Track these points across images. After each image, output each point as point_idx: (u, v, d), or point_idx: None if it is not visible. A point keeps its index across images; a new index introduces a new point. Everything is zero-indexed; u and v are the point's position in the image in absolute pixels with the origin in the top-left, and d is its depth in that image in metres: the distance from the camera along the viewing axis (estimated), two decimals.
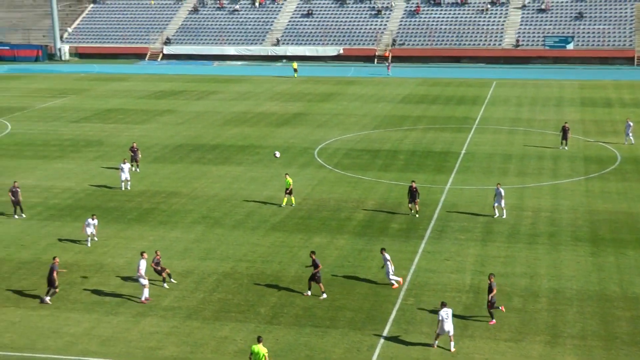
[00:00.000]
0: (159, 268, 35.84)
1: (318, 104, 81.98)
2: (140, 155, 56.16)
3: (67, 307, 33.99)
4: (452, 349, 29.99)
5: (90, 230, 41.16)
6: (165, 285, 35.89)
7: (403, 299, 34.46)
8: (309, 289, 35.17)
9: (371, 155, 59.76)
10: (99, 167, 57.22)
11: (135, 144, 56.92)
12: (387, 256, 35.91)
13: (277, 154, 54.53)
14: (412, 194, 45.20)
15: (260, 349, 27.50)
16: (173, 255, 39.81)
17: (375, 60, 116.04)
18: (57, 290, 34.89)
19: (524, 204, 47.42)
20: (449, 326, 29.96)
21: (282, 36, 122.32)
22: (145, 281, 34.65)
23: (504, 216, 44.54)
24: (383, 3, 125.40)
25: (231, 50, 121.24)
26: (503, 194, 44.45)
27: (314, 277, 34.81)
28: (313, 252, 35.29)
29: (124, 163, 51.27)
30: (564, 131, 60.99)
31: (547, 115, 74.55)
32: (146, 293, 34.62)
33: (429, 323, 32.05)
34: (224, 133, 68.27)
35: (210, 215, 46.15)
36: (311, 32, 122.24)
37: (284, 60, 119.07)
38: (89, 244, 41.11)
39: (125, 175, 50.97)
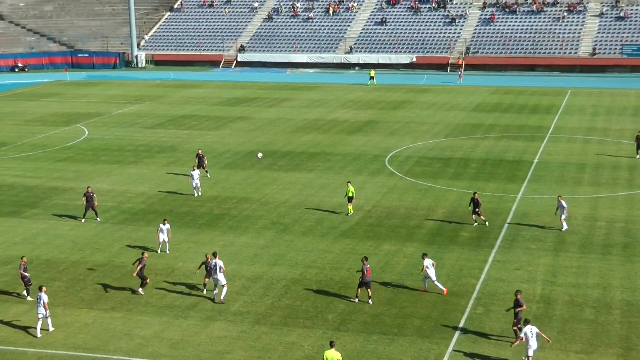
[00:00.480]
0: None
1: (390, 112, 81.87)
2: (206, 161, 56.79)
3: (139, 310, 34.60)
4: None
5: (162, 236, 41.36)
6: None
7: (472, 308, 34.20)
8: (357, 296, 35.21)
9: (442, 163, 59.45)
10: (172, 172, 58.13)
11: (200, 150, 57.63)
12: (427, 262, 35.66)
13: (260, 155, 58.17)
14: (475, 204, 44.79)
15: (334, 354, 27.46)
16: (243, 260, 40.20)
17: (449, 68, 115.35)
18: (147, 281, 36.21)
19: (597, 214, 46.61)
20: (534, 343, 28.92)
21: (355, 44, 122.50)
22: (224, 280, 35.08)
23: (564, 228, 43.55)
24: (457, 11, 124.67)
25: (304, 57, 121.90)
26: (565, 205, 43.62)
27: (364, 283, 34.77)
28: (365, 258, 35.28)
29: (193, 170, 51.92)
30: (638, 140, 59.77)
31: (623, 124, 73.14)
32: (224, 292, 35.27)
33: (497, 332, 31.73)
34: (295, 140, 68.69)
35: (280, 221, 46.47)
36: (384, 40, 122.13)
37: (357, 68, 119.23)
38: (159, 251, 41.67)
39: (195, 181, 51.57)
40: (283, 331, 32.38)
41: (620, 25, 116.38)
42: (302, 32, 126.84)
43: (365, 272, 34.71)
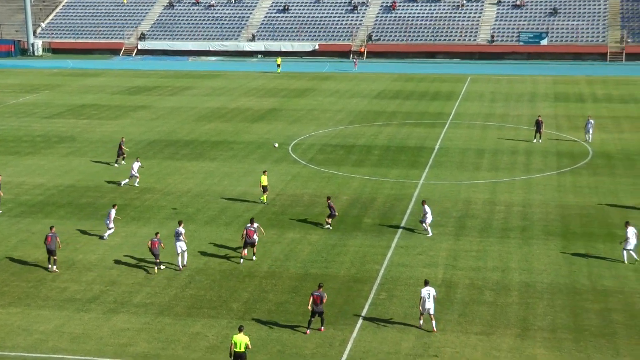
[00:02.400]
0: None
1: (293, 100, 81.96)
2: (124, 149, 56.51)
3: (38, 305, 33.78)
4: (434, 329, 30.65)
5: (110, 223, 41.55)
6: None
7: (375, 294, 34.54)
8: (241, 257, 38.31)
9: (345, 150, 59.83)
10: (71, 163, 56.90)
11: (123, 139, 57.66)
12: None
13: (276, 145, 58.00)
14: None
15: (242, 338, 27.59)
16: (146, 251, 39.61)
17: (351, 55, 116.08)
18: (158, 261, 37.30)
19: (496, 198, 47.66)
20: (429, 304, 30.68)
21: (258, 32, 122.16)
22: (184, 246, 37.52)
23: (429, 235, 41.48)
24: None
25: (206, 45, 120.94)
26: (429, 211, 41.57)
27: (248, 243, 38.01)
28: (252, 220, 38.49)
29: (137, 160, 51.69)
30: (538, 125, 61.43)
31: (521, 110, 74.94)
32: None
33: (401, 317, 32.15)
34: (198, 129, 68.10)
35: (183, 211, 46.01)
36: (287, 28, 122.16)
37: (260, 56, 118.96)
38: (106, 237, 41.54)
39: (134, 172, 51.01)
40: (187, 322, 32.10)
41: (516, 13, 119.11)
42: (203, 20, 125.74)
43: (248, 233, 37.63)
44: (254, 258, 38.29)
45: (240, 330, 27.97)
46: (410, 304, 33.09)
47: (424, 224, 41.80)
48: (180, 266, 37.38)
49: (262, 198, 47.11)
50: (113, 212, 41.77)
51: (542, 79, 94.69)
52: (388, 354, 29.43)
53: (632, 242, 37.50)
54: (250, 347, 27.95)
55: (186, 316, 32.61)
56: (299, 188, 50.19)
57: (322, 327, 31.25)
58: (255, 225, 38.60)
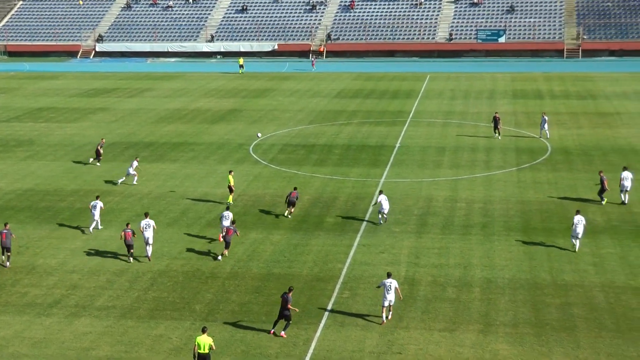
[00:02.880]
0: None
1: (253, 100, 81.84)
2: (101, 151, 57.03)
3: None
4: (387, 318, 31.56)
5: (97, 214, 42.21)
6: None
7: (339, 293, 34.60)
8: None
9: (306, 150, 59.85)
10: (30, 166, 56.29)
11: (103, 140, 58.72)
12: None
13: (259, 135, 58.93)
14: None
15: (205, 339, 27.54)
16: (107, 254, 39.35)
17: (310, 55, 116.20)
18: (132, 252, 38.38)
19: (457, 195, 47.98)
20: (391, 297, 31.31)
21: (217, 32, 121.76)
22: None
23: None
24: None
25: (165, 47, 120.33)
26: (386, 201, 43.26)
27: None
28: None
29: (135, 160, 52.61)
30: (495, 121, 61.98)
31: (480, 107, 75.50)
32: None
33: (364, 315, 32.23)
34: (158, 130, 67.72)
35: (144, 213, 45.62)
36: (246, 28, 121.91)
37: (219, 57, 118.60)
38: (91, 230, 42.07)
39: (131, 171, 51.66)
40: (150, 324, 31.92)
41: (474, 11, 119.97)
42: (162, 21, 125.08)
43: (228, 232, 38.76)
44: (219, 258, 38.54)
45: (203, 331, 27.90)
46: (374, 302, 33.21)
47: (380, 214, 42.72)
48: (149, 256, 38.62)
49: (228, 200, 46.91)
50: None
51: (501, 76, 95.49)
52: (352, 352, 29.50)
53: (578, 230, 38.50)
54: (214, 348, 27.90)
55: (149, 318, 32.42)
56: (261, 188, 50.12)
57: (283, 333, 30.97)
58: (234, 225, 39.55)
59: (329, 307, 33.17)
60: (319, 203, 46.99)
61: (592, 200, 46.31)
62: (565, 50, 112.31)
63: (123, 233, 38.34)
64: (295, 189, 45.29)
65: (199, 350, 27.52)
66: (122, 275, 36.85)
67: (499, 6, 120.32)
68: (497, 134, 61.91)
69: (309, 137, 64.29)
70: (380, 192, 43.70)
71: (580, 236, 38.76)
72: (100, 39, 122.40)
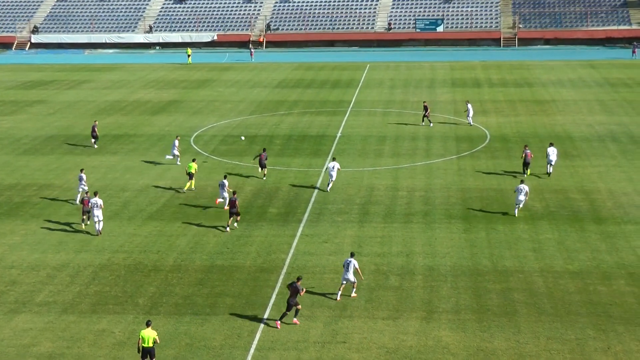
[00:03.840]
0: None
1: (193, 91, 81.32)
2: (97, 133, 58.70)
3: None
4: (353, 294, 33.01)
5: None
6: None
7: (282, 283, 34.62)
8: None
9: (248, 140, 59.69)
10: None
11: (96, 122, 60.07)
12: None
13: (243, 138, 58.54)
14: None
15: (149, 333, 27.39)
16: (47, 249, 38.84)
17: (250, 45, 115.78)
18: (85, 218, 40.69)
19: (399, 184, 48.32)
20: (349, 275, 32.66)
21: (155, 23, 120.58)
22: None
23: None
24: None
25: (102, 37, 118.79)
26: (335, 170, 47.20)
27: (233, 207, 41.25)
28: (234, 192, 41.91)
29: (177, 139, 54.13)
30: (425, 109, 62.86)
31: (420, 96, 75.99)
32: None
33: (308, 306, 32.33)
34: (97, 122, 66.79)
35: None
36: (184, 19, 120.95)
37: (157, 48, 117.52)
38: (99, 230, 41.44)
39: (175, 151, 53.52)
40: (92, 319, 31.60)
41: (412, 1, 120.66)
42: (99, 12, 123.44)
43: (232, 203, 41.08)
44: (228, 229, 40.85)
45: (147, 325, 27.73)
46: (317, 292, 33.32)
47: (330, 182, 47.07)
48: (100, 230, 40.62)
49: (189, 185, 47.47)
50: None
51: (440, 65, 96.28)
52: (297, 342, 29.59)
53: (520, 197, 42.05)
54: (158, 341, 27.77)
55: (91, 313, 32.09)
56: (203, 180, 49.83)
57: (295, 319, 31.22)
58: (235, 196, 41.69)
59: (273, 298, 33.21)
60: (261, 194, 46.94)
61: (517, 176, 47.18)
62: (502, 39, 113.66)
63: (82, 200, 42.26)
64: (264, 150, 50.16)
65: (143, 344, 27.37)
66: (63, 270, 36.40)
67: None
68: (427, 123, 62.74)
69: (250, 127, 64.12)
70: (333, 159, 47.87)
71: (521, 205, 42.45)
72: (35, 30, 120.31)
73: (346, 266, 32.74)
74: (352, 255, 33.22)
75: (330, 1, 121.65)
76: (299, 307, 30.87)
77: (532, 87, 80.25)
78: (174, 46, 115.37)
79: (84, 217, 41.30)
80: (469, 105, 63.35)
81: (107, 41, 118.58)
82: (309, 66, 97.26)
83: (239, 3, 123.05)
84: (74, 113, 71.00)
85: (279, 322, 30.77)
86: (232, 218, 41.16)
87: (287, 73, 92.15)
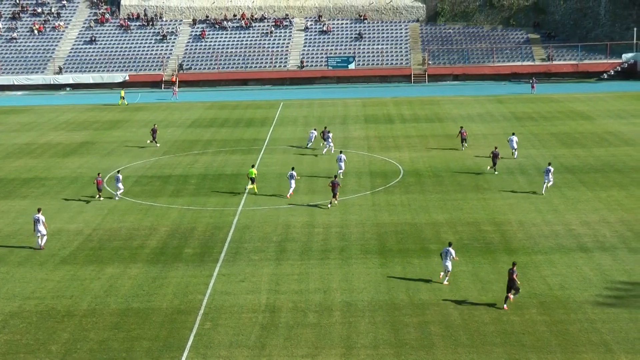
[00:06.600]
0: None
1: (106, 132, 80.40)
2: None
3: None
4: (445, 282, 37.65)
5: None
6: None
7: (200, 324, 34.32)
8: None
9: (162, 181, 59.22)
10: None
11: (155, 125, 67.97)
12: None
13: (247, 188, 56.02)
14: (494, 156, 59.11)
15: None
16: None
17: (163, 85, 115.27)
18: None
19: (315, 220, 48.50)
20: (448, 263, 37.36)
21: (65, 64, 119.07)
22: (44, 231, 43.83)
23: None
24: (168, 28, 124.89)
25: (10, 79, 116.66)
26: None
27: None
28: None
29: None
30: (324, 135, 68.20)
31: (334, 133, 76.56)
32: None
33: (226, 346, 32.09)
34: (6, 166, 65.49)
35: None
36: (95, 59, 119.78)
37: (68, 89, 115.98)
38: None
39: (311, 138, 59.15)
40: None
41: (324, 38, 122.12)
42: (6, 53, 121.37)
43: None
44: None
45: None
46: (235, 332, 33.14)
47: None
48: (42, 245, 43.54)
49: (252, 187, 54.51)
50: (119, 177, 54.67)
51: (352, 101, 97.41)
52: None
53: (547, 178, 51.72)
54: None
55: None
56: (116, 222, 49.18)
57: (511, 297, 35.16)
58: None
59: (191, 340, 32.85)
60: (176, 234, 46.53)
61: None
62: (412, 75, 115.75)
63: (95, 180, 53.03)
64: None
65: None
66: None
67: (347, 34, 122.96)
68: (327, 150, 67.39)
69: (164, 167, 63.65)
70: (340, 152, 58.35)
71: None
72: None
73: (444, 255, 37.22)
74: (449, 244, 37.80)
75: (242, 40, 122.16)
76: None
77: (443, 122, 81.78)
78: (85, 87, 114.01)
79: (100, 193, 52.88)
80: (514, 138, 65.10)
81: (16, 83, 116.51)
82: (223, 105, 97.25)
83: (151, 43, 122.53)
84: None
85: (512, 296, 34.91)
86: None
87: (200, 112, 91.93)
